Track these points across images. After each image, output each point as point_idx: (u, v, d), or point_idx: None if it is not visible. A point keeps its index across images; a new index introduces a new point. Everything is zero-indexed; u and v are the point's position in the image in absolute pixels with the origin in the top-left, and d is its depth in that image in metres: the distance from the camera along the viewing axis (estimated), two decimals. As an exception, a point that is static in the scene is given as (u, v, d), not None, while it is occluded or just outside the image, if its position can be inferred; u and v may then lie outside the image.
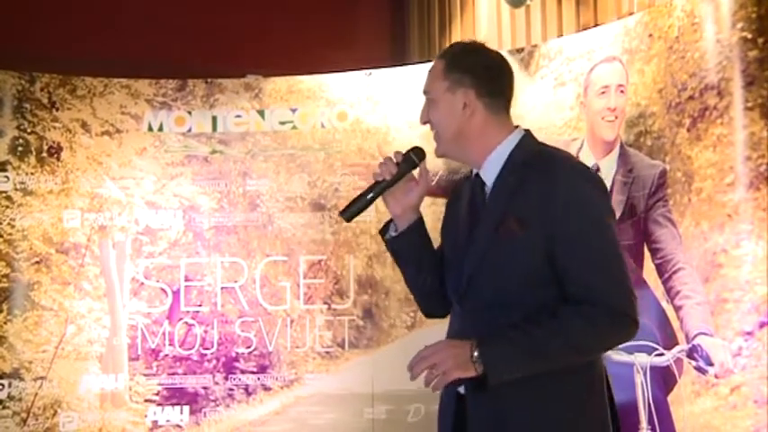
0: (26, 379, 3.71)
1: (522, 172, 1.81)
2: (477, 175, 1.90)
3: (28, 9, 4.21)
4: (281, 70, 4.02)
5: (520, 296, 1.78)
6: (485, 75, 1.86)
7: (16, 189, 3.78)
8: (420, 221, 1.97)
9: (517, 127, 1.90)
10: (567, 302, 1.75)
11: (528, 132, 1.90)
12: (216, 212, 3.91)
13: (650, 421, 2.93)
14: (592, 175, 1.83)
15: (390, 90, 3.83)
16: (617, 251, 1.77)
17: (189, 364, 3.85)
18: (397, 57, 4.92)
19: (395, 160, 1.91)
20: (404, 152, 1.93)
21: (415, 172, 1.96)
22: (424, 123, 1.94)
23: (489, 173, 1.86)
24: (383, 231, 2.01)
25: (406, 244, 1.98)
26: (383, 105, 3.83)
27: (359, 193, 1.93)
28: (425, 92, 1.92)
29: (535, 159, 1.82)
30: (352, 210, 1.92)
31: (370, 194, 1.91)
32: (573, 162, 1.87)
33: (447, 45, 4.65)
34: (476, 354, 1.70)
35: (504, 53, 3.67)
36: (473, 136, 1.87)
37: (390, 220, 2.00)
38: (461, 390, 1.84)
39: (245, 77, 4.02)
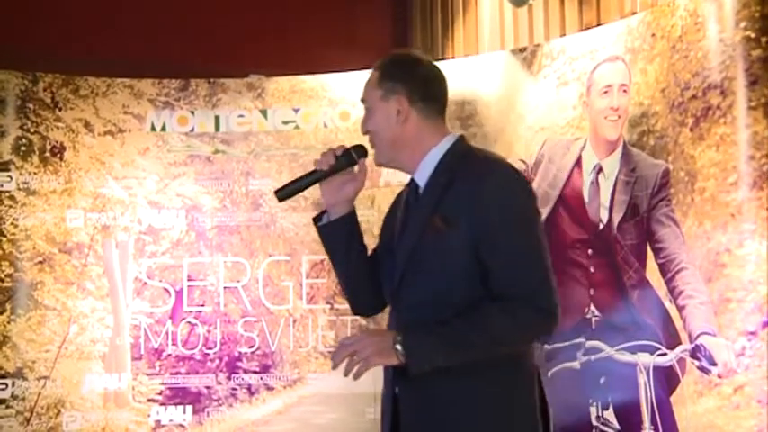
0: (29, 378, 3.72)
1: (452, 173, 1.86)
2: (413, 179, 1.96)
3: (31, 9, 4.21)
4: (284, 70, 4.02)
5: (449, 293, 1.82)
6: (417, 82, 1.92)
7: (19, 189, 3.79)
8: (351, 214, 2.04)
9: (451, 132, 1.96)
10: (492, 298, 1.80)
11: (461, 137, 1.96)
12: (218, 212, 3.91)
13: (653, 421, 2.93)
14: (517, 177, 1.89)
15: (393, 90, 3.82)
16: (539, 248, 1.82)
17: (192, 364, 3.85)
18: (400, 56, 4.91)
19: (337, 153, 1.97)
20: (346, 147, 1.99)
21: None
22: (365, 134, 2.00)
23: (422, 176, 1.92)
24: (317, 219, 2.08)
25: (334, 233, 2.04)
26: (386, 105, 3.82)
27: (297, 178, 2.00)
28: (363, 101, 1.99)
29: (464, 161, 1.88)
30: (286, 191, 1.98)
31: (304, 182, 1.98)
32: (500, 163, 1.91)
33: (450, 45, 4.66)
34: (398, 344, 1.76)
35: (507, 53, 3.69)
36: (407, 142, 1.92)
37: (324, 211, 2.06)
38: (397, 390, 1.89)
39: (247, 77, 4.02)
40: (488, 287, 1.80)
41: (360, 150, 1.99)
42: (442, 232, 1.82)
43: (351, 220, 2.04)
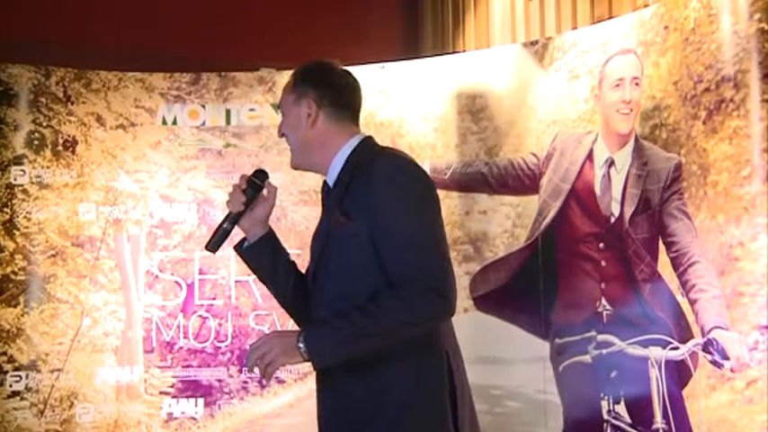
0: (43, 371, 3.74)
1: (354, 171, 1.94)
2: (325, 181, 2.04)
3: (43, 3, 4.23)
4: (295, 63, 4.00)
5: (353, 285, 1.89)
6: (327, 88, 2.01)
7: (32, 182, 3.80)
8: (269, 234, 2.10)
9: (360, 133, 2.03)
10: (389, 286, 1.85)
11: (367, 138, 2.03)
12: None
13: (665, 415, 2.92)
14: (411, 168, 1.93)
15: (404, 83, 3.82)
16: (429, 233, 1.87)
17: (203, 357, 3.87)
18: (411, 50, 4.91)
19: (242, 187, 2.04)
20: (247, 177, 2.05)
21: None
22: (281, 137, 2.08)
23: (332, 177, 2.00)
24: (238, 246, 2.14)
25: (257, 255, 2.11)
26: (396, 99, 3.82)
27: (219, 225, 2.06)
28: (279, 107, 2.09)
29: (365, 159, 1.95)
30: (215, 242, 2.05)
31: (228, 225, 2.05)
32: (395, 158, 1.96)
33: (461, 38, 4.65)
34: (300, 342, 1.83)
35: (518, 46, 3.68)
36: (316, 144, 2.00)
37: (244, 238, 2.12)
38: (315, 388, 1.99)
39: (258, 71, 4.02)
40: (387, 273, 1.85)
41: (261, 174, 2.07)
42: (344, 227, 1.90)
43: (270, 238, 2.10)
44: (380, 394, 1.87)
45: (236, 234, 2.10)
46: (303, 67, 2.07)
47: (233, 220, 2.05)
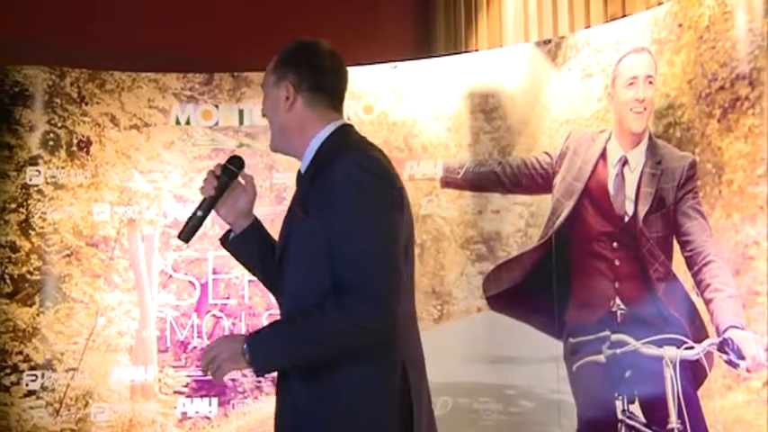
0: (58, 370, 3.77)
1: (319, 165, 1.88)
2: (299, 169, 1.98)
3: (57, 5, 4.25)
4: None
5: (306, 282, 1.85)
6: (308, 70, 1.94)
7: (47, 183, 3.83)
8: (255, 223, 2.07)
9: (338, 120, 1.97)
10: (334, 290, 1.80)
11: (341, 126, 1.96)
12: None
13: (680, 415, 2.90)
14: (369, 163, 1.85)
15: (416, 83, 3.82)
16: (378, 242, 1.78)
17: (217, 357, 3.87)
18: (423, 49, 4.90)
19: (216, 173, 2.00)
20: (222, 164, 2.02)
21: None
22: (264, 116, 2.04)
23: (303, 165, 1.96)
24: (224, 239, 2.10)
25: (244, 246, 2.08)
26: (409, 98, 3.82)
27: (192, 213, 2.01)
28: (262, 86, 2.04)
29: (331, 152, 1.88)
30: (188, 230, 2.00)
31: (200, 212, 2.00)
32: (359, 154, 1.87)
33: (473, 37, 4.64)
34: (244, 346, 1.80)
35: (531, 45, 3.67)
36: (292, 128, 1.95)
37: (229, 230, 2.09)
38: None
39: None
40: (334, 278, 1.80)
41: (236, 161, 2.03)
42: (302, 222, 1.86)
43: (256, 228, 2.07)
44: (327, 403, 1.83)
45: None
46: (286, 47, 2.01)
47: (206, 206, 2.00)
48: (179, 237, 2.02)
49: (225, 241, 2.10)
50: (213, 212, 2.04)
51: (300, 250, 1.87)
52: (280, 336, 1.83)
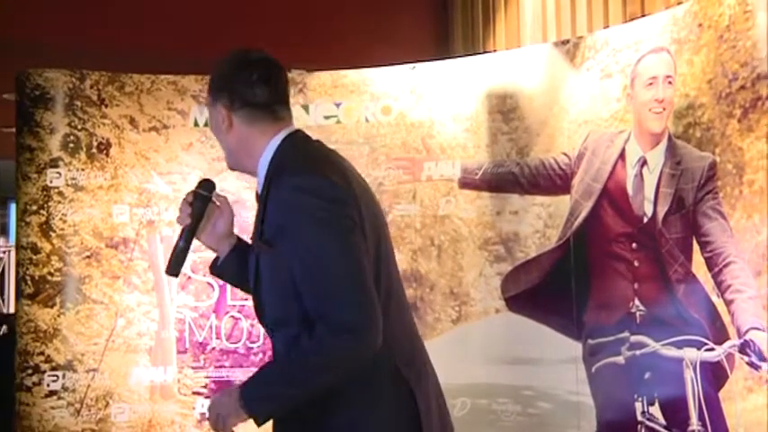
0: (79, 371, 3.79)
1: (269, 185, 1.80)
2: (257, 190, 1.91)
3: (78, 10, 4.28)
4: (326, 65, 4.03)
5: (285, 311, 1.77)
6: (237, 87, 1.84)
7: (68, 185, 3.86)
8: (237, 246, 1.99)
9: (281, 131, 1.86)
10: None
11: (285, 139, 1.85)
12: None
13: (701, 417, 2.89)
14: (316, 185, 1.73)
15: (434, 84, 3.81)
16: (338, 267, 1.69)
17: (236, 357, 3.89)
18: (441, 50, 4.91)
19: (188, 200, 1.92)
20: (193, 190, 1.94)
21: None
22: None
23: (259, 187, 1.86)
24: (212, 267, 2.04)
25: (229, 269, 2.01)
26: (427, 99, 3.82)
27: (173, 246, 1.95)
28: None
29: (275, 172, 1.80)
30: (174, 264, 1.95)
31: (182, 243, 1.94)
32: (299, 177, 1.75)
33: (491, 38, 4.64)
34: (240, 400, 1.76)
35: (549, 45, 3.66)
36: (238, 149, 1.87)
37: (217, 257, 2.03)
38: None
39: (289, 72, 4.03)
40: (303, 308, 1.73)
41: (207, 184, 1.95)
42: (267, 252, 1.78)
43: (239, 250, 1.98)
44: (329, 419, 1.77)
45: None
46: (216, 64, 1.90)
47: (186, 236, 1.93)
48: (166, 272, 1.96)
49: (213, 268, 2.04)
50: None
51: (271, 280, 1.80)
52: (268, 384, 1.78)
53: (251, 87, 1.84)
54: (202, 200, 1.94)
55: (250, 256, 1.87)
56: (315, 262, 1.70)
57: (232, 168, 1.96)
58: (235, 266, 1.99)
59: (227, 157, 1.94)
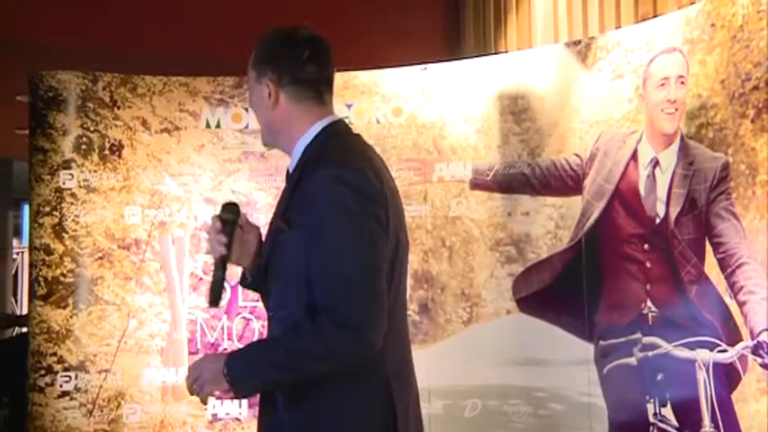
0: (91, 371, 3.81)
1: (303, 170, 1.79)
2: (288, 169, 1.89)
3: (90, 13, 4.30)
4: (336, 66, 4.03)
5: (289, 296, 1.77)
6: (287, 64, 1.83)
7: (80, 186, 3.87)
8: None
9: (324, 117, 1.85)
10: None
11: (328, 126, 1.85)
12: (272, 208, 3.94)
13: (713, 419, 2.87)
14: (349, 177, 1.72)
15: (445, 85, 3.81)
16: (357, 263, 1.68)
17: (247, 358, 3.89)
18: (453, 51, 4.90)
19: (217, 229, 1.88)
20: (219, 216, 1.90)
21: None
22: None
23: (292, 166, 1.86)
24: (242, 281, 2.01)
25: (261, 283, 1.95)
26: (438, 100, 3.81)
27: (211, 278, 1.92)
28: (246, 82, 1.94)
29: (313, 158, 1.79)
30: (215, 295, 1.92)
31: (220, 273, 1.91)
32: (338, 166, 1.74)
33: (503, 39, 4.63)
34: (225, 367, 1.74)
35: (561, 46, 3.65)
36: (279, 127, 1.86)
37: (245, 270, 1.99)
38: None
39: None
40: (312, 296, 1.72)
41: (232, 208, 1.92)
42: (284, 233, 1.77)
43: None
44: (313, 427, 1.76)
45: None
46: (264, 38, 1.88)
47: (222, 266, 1.90)
48: (209, 305, 1.93)
49: (243, 282, 2.01)
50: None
51: (283, 262, 1.79)
52: (255, 358, 1.77)
53: (301, 64, 1.83)
54: (232, 226, 1.91)
55: (267, 236, 1.87)
56: (334, 254, 1.69)
57: (266, 145, 1.95)
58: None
59: (264, 134, 1.92)
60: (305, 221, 1.72)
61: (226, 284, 1.93)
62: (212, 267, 1.93)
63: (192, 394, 1.81)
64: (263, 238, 1.93)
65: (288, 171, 1.87)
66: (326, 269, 1.69)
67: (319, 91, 1.86)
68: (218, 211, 1.94)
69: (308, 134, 1.83)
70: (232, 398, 1.83)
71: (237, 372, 1.75)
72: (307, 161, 1.80)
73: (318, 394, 1.75)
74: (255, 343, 1.89)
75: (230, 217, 1.91)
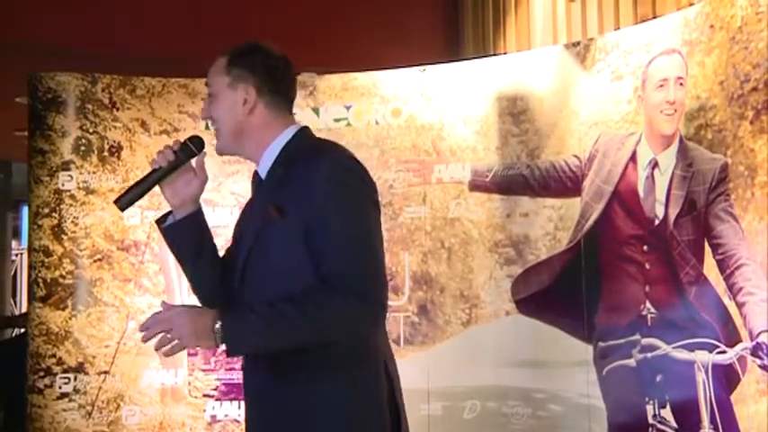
0: (90, 373, 3.81)
1: (290, 163, 1.87)
2: (256, 171, 1.96)
3: (90, 14, 4.30)
4: (336, 67, 4.04)
5: (288, 281, 1.80)
6: (266, 73, 1.92)
7: (79, 188, 3.87)
8: (198, 212, 1.99)
9: (294, 124, 1.97)
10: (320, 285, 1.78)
11: (304, 128, 1.97)
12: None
13: (712, 420, 2.87)
14: (353, 166, 1.87)
15: (445, 86, 3.81)
16: (365, 234, 1.81)
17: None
18: (452, 52, 4.90)
19: (174, 149, 1.93)
20: (184, 140, 1.96)
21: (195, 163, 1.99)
22: (205, 119, 2.00)
23: (264, 167, 1.93)
24: (161, 220, 2.02)
25: (182, 234, 1.99)
26: (437, 101, 3.82)
27: (135, 181, 1.93)
28: (207, 85, 1.98)
29: (303, 151, 1.89)
30: (126, 198, 1.91)
31: (146, 183, 1.91)
32: (337, 153, 1.90)
33: (502, 40, 4.63)
34: (217, 324, 1.72)
35: (560, 47, 3.65)
36: (251, 132, 1.92)
37: (169, 212, 2.01)
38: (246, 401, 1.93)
39: (299, 75, 4.04)
40: (318, 273, 1.78)
41: (197, 142, 1.95)
42: (276, 221, 1.82)
43: (199, 217, 1.99)
44: (311, 409, 1.79)
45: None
46: (239, 48, 1.96)
47: (155, 177, 1.91)
48: (114, 202, 1.93)
49: (161, 223, 2.01)
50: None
51: (276, 254, 1.83)
52: (257, 316, 1.75)
53: (280, 78, 1.95)
54: (186, 153, 1.94)
55: (241, 232, 1.93)
56: (345, 230, 1.79)
57: (222, 151, 1.99)
58: (186, 232, 1.98)
59: (224, 138, 1.95)
60: (307, 208, 1.79)
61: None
62: (145, 174, 1.92)
63: (145, 340, 1.75)
64: (232, 239, 1.99)
65: (256, 174, 1.95)
66: (338, 245, 1.77)
67: (290, 103, 1.98)
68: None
69: (282, 137, 1.93)
70: (215, 354, 1.81)
71: (236, 331, 1.74)
72: (291, 156, 1.88)
73: (316, 376, 1.79)
74: (255, 304, 1.81)
75: (190, 146, 1.94)
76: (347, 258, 1.77)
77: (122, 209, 1.94)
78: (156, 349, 1.76)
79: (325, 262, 1.77)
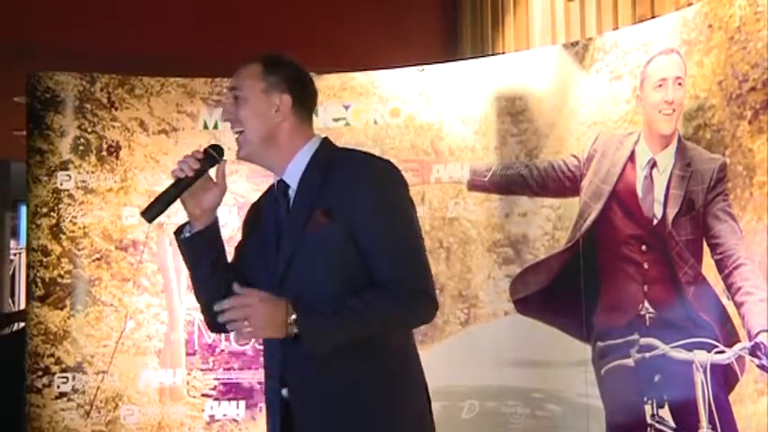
0: (89, 372, 3.81)
1: (326, 170, 1.92)
2: (281, 180, 1.99)
3: (88, 13, 4.30)
4: (334, 67, 4.04)
5: (332, 288, 1.86)
6: (298, 85, 2.00)
7: (78, 187, 3.87)
8: (216, 223, 2.01)
9: (315, 135, 2.03)
10: (376, 285, 1.87)
11: (326, 138, 2.04)
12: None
13: (711, 420, 2.87)
14: (391, 169, 1.96)
15: (443, 86, 3.81)
16: (416, 237, 1.93)
17: (245, 360, 3.90)
18: (450, 52, 4.90)
19: (198, 157, 1.93)
20: (207, 147, 1.97)
21: (212, 173, 2.00)
22: (228, 121, 2.00)
23: (293, 176, 1.96)
24: (178, 232, 2.03)
25: (202, 244, 2.00)
26: (436, 101, 3.82)
27: (162, 191, 1.91)
28: (233, 89, 1.99)
29: (337, 158, 1.96)
30: (154, 210, 1.90)
31: (172, 192, 1.90)
32: (373, 158, 2.02)
33: (500, 40, 4.63)
34: (293, 317, 1.77)
35: (558, 47, 3.65)
36: (280, 139, 1.96)
37: (186, 222, 2.01)
38: (285, 393, 1.94)
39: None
40: (372, 278, 1.87)
41: (219, 150, 1.96)
42: (323, 225, 1.87)
43: (216, 229, 2.01)
44: (368, 393, 1.89)
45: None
46: (276, 57, 2.02)
47: (181, 187, 1.90)
48: (142, 215, 1.90)
49: (178, 234, 2.01)
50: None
51: (330, 251, 1.88)
52: (332, 310, 1.81)
53: (307, 92, 2.03)
54: (211, 161, 1.94)
55: (279, 238, 1.94)
56: (395, 231, 1.89)
57: (246, 157, 2.00)
58: (203, 243, 1.99)
59: (250, 144, 1.96)
60: (352, 212, 1.86)
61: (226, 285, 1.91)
62: (170, 184, 1.91)
63: (224, 320, 1.76)
64: (255, 244, 2.03)
65: (282, 182, 1.98)
66: (393, 246, 1.88)
67: (311, 116, 2.05)
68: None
69: (309, 146, 1.98)
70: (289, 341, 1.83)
71: (314, 328, 1.79)
72: (326, 164, 1.94)
73: (370, 359, 1.90)
74: (330, 303, 1.85)
75: (213, 154, 1.95)
76: (401, 258, 1.88)
77: (150, 221, 1.92)
78: (236, 338, 1.92)
79: (381, 263, 1.87)
